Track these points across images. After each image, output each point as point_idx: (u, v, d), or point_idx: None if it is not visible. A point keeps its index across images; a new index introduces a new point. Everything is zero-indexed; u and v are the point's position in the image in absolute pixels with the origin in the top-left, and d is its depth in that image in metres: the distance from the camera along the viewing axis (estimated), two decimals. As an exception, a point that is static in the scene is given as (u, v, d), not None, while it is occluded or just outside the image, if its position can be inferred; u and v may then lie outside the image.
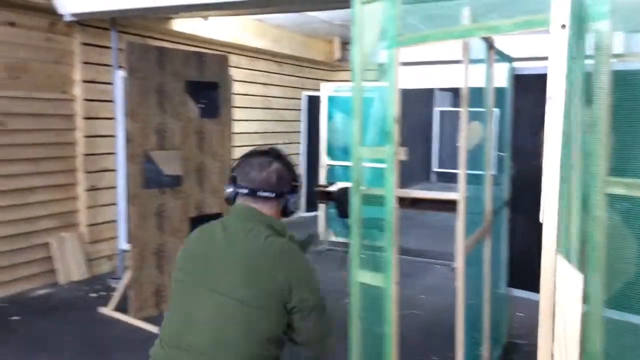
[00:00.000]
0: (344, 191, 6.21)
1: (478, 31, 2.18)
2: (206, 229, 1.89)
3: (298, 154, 9.09)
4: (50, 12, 5.16)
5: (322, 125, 7.32)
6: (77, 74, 5.54)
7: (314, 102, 8.59)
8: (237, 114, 6.57)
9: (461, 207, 2.57)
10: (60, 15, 5.20)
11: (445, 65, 6.40)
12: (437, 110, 14.26)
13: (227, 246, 1.76)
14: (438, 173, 14.26)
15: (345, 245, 6.11)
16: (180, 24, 6.34)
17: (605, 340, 1.95)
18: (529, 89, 3.52)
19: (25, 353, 3.95)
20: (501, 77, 3.57)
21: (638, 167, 1.91)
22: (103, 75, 5.69)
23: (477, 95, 3.04)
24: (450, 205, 5.86)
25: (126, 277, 4.70)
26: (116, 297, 4.74)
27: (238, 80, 7.42)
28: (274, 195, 1.85)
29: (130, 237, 4.55)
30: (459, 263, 2.54)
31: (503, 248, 3.77)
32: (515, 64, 3.73)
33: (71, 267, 5.53)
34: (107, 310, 4.69)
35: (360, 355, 2.47)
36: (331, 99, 7.30)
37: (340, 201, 6.28)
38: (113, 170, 5.71)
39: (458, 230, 2.54)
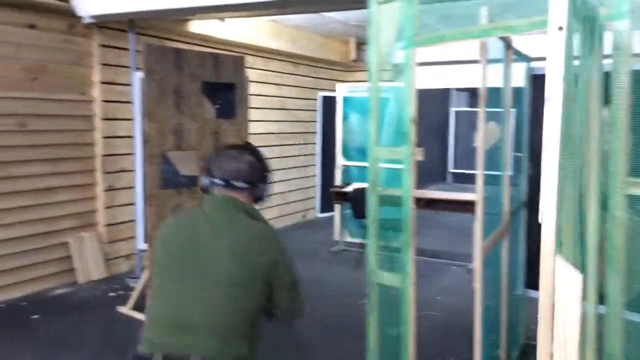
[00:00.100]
0: (360, 192, 6.21)
1: (495, 31, 2.18)
2: (186, 218, 2.00)
3: (314, 154, 9.11)
4: (69, 15, 5.22)
5: (337, 125, 7.32)
6: (96, 76, 5.60)
7: (329, 103, 8.60)
8: (253, 114, 6.60)
9: (479, 208, 2.56)
10: (79, 18, 5.26)
11: (461, 65, 6.37)
12: (453, 110, 14.19)
13: (213, 233, 1.87)
14: (454, 174, 14.20)
15: (361, 245, 6.13)
16: (196, 26, 6.38)
17: (624, 341, 1.93)
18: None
19: (44, 351, 4.00)
20: (518, 76, 3.54)
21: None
22: (121, 77, 5.75)
23: (494, 95, 3.03)
24: (467, 206, 5.86)
25: (144, 276, 4.74)
26: (134, 296, 4.79)
27: (254, 81, 7.45)
28: (246, 184, 1.98)
29: (148, 237, 4.59)
30: (477, 264, 2.53)
31: (520, 249, 3.74)
32: (534, 64, 3.70)
33: (90, 267, 5.59)
34: (126, 310, 4.74)
35: (377, 355, 2.47)
36: (346, 100, 7.30)
37: (355, 202, 6.28)
38: (131, 170, 5.77)
39: (476, 231, 2.53)
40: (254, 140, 7.04)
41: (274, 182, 8.25)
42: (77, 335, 4.26)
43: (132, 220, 5.78)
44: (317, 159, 9.21)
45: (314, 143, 9.10)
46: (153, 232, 4.52)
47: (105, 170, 5.71)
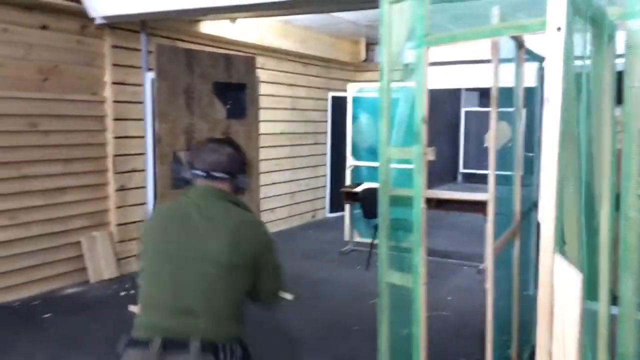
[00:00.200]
0: (370, 192, 6.21)
1: (507, 30, 2.17)
2: (176, 206, 2.08)
3: (324, 154, 9.12)
4: (81, 15, 5.25)
5: (347, 125, 7.32)
6: (108, 76, 5.64)
7: (339, 103, 8.60)
8: (263, 114, 6.62)
9: (490, 208, 2.55)
10: (91, 19, 5.29)
11: (472, 65, 6.35)
12: (463, 110, 14.15)
13: (203, 220, 1.96)
14: (464, 174, 14.16)
15: (371, 245, 6.13)
16: (207, 26, 6.41)
17: (637, 342, 1.92)
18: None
19: (56, 350, 4.03)
20: (530, 76, 3.52)
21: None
22: (132, 77, 5.78)
23: (505, 95, 3.02)
24: (478, 207, 5.84)
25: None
26: (145, 295, 4.80)
27: (264, 81, 7.47)
28: (226, 175, 2.06)
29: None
30: (489, 264, 2.53)
31: (532, 249, 3.73)
32: (545, 63, 3.67)
33: (101, 266, 5.63)
34: (137, 308, 4.75)
35: (388, 355, 2.47)
36: (356, 100, 7.30)
37: (365, 202, 6.28)
38: (142, 170, 5.80)
39: (487, 231, 2.52)
40: (265, 141, 7.08)
41: (284, 182, 8.27)
42: (88, 334, 4.29)
43: (143, 220, 5.81)
44: (327, 159, 9.22)
45: (324, 143, 9.11)
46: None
47: (117, 170, 5.74)
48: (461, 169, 14.25)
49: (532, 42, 3.18)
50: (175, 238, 1.96)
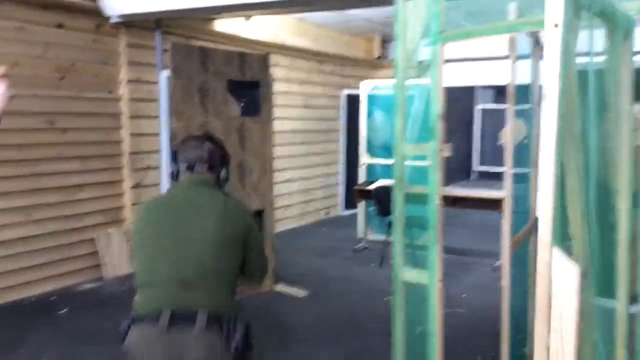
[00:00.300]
0: (384, 189, 6.20)
1: (524, 26, 2.15)
2: (167, 196, 2.32)
3: (337, 152, 9.12)
4: (97, 14, 5.29)
5: (361, 123, 7.31)
6: (123, 74, 5.67)
7: (353, 100, 8.59)
8: (277, 112, 6.62)
9: (507, 205, 2.54)
10: (107, 17, 5.33)
11: (487, 62, 6.31)
12: (478, 108, 14.06)
13: (196, 205, 2.15)
14: (479, 171, 14.08)
15: (385, 243, 6.12)
16: (221, 25, 6.42)
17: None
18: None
19: (71, 345, 4.07)
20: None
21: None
22: (148, 75, 5.81)
23: (521, 91, 3.00)
24: (493, 204, 5.81)
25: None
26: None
27: (278, 79, 7.47)
28: (208, 168, 2.25)
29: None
30: (505, 262, 2.51)
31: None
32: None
33: (116, 262, 5.67)
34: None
35: (403, 352, 2.47)
36: (370, 97, 7.29)
37: (379, 199, 6.27)
38: (157, 168, 5.84)
39: (504, 228, 2.51)
40: (279, 138, 7.09)
41: (298, 179, 8.28)
42: (102, 329, 4.32)
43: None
44: (341, 157, 9.22)
45: (337, 141, 9.10)
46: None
47: (132, 168, 5.78)
48: (475, 167, 14.17)
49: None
50: (169, 223, 2.12)
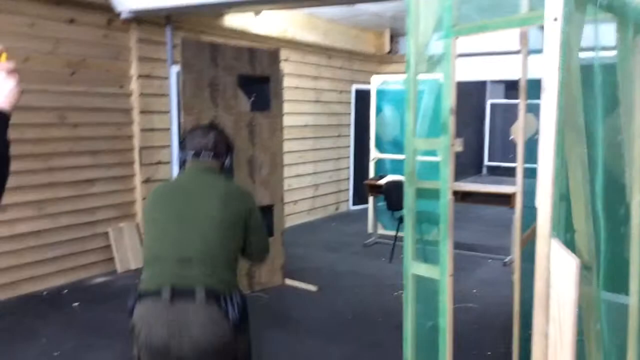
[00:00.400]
0: (393, 184, 6.19)
1: (539, 19, 2.13)
2: (175, 182, 2.52)
3: (347, 147, 9.11)
4: (108, 10, 5.31)
5: (371, 118, 7.30)
6: (134, 70, 5.70)
7: (362, 95, 8.58)
8: (287, 107, 6.62)
9: (518, 200, 2.53)
10: (118, 13, 5.34)
11: (498, 57, 6.28)
12: (489, 102, 14.00)
13: (201, 189, 2.28)
14: (489, 166, 14.03)
15: (394, 238, 6.12)
16: (231, 20, 6.43)
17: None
18: (584, 80, 3.41)
19: (83, 338, 4.11)
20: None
21: None
22: (158, 70, 5.83)
23: (532, 86, 2.98)
24: (504, 199, 5.79)
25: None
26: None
27: (288, 74, 7.47)
28: (213, 156, 2.36)
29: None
30: (516, 257, 2.51)
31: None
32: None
33: (128, 256, 5.71)
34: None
35: (413, 346, 2.47)
36: (380, 92, 7.27)
37: (389, 194, 6.27)
38: (168, 162, 5.86)
39: (515, 224, 2.50)
40: (289, 133, 7.09)
41: (308, 174, 8.29)
42: (115, 323, 4.35)
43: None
44: (351, 152, 9.21)
45: (347, 135, 9.09)
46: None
47: (143, 162, 5.81)
48: (486, 162, 14.12)
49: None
50: (175, 205, 2.25)
